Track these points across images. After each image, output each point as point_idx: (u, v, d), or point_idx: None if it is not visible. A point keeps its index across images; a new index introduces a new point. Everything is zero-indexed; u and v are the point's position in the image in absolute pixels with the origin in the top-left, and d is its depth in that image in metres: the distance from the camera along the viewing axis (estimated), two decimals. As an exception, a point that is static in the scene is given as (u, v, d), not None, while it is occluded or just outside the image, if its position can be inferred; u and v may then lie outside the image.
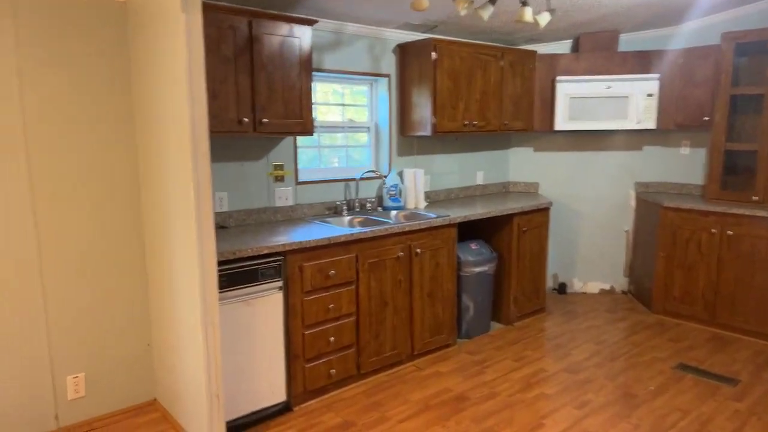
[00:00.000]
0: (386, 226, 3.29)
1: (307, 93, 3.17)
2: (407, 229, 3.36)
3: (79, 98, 2.62)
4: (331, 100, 3.94)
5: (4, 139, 2.43)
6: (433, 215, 3.66)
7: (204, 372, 2.44)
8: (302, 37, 3.11)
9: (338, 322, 3.10)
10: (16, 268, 2.51)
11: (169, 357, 2.78)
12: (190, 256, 2.43)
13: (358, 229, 3.19)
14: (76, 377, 2.72)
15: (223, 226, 3.28)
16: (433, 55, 3.78)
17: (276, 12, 3.11)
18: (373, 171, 3.91)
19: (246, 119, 2.93)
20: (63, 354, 2.68)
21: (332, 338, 3.07)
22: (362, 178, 3.97)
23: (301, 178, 3.67)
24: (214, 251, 2.42)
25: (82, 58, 2.60)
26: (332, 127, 3.91)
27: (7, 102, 2.42)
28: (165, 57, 2.40)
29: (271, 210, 3.48)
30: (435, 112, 3.85)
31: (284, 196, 3.56)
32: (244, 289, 2.71)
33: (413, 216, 3.81)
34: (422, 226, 3.45)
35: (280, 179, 3.53)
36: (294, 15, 3.02)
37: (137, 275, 2.87)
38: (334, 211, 3.81)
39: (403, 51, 4.01)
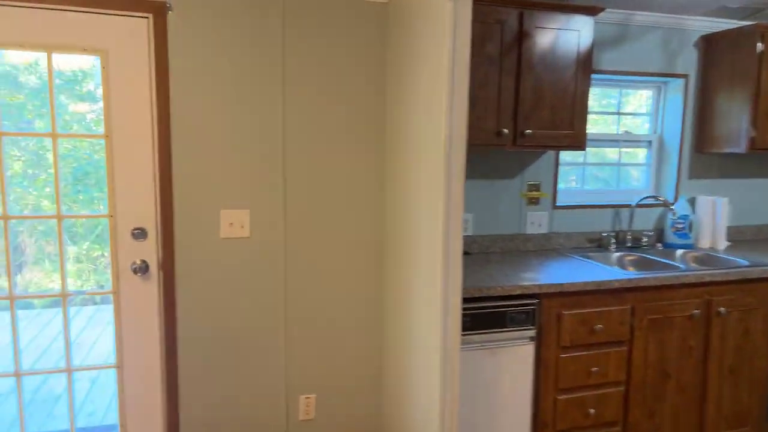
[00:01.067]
0: (676, 273, 2.48)
1: (582, 99, 2.57)
2: (707, 278, 2.49)
3: (336, 108, 2.48)
4: (599, 107, 3.24)
5: (270, 150, 2.40)
6: (745, 262, 2.69)
7: (437, 421, 2.05)
8: (582, 30, 2.52)
9: (601, 391, 2.42)
10: (266, 284, 2.47)
11: (399, 392, 2.47)
12: (432, 289, 2.06)
13: (636, 274, 2.46)
14: (308, 398, 2.60)
15: (466, 252, 2.87)
16: (759, 46, 2.80)
17: (552, 0, 2.58)
18: (654, 196, 3.09)
19: (506, 130, 2.47)
20: (297, 373, 2.57)
21: (592, 410, 2.41)
22: (639, 205, 3.17)
23: (560, 201, 3.06)
24: (460, 287, 2.01)
25: (341, 62, 2.46)
26: (603, 141, 3.20)
27: (273, 106, 2.39)
28: (423, 59, 2.08)
29: (520, 237, 2.96)
30: (755, 121, 2.85)
31: (537, 221, 3.00)
32: (489, 335, 2.25)
33: (710, 260, 2.88)
34: (731, 277, 2.53)
35: (534, 201, 2.98)
36: (573, 4, 2.47)
37: (373, 302, 2.64)
38: (598, 244, 3.10)
39: (710, 44, 3.09)
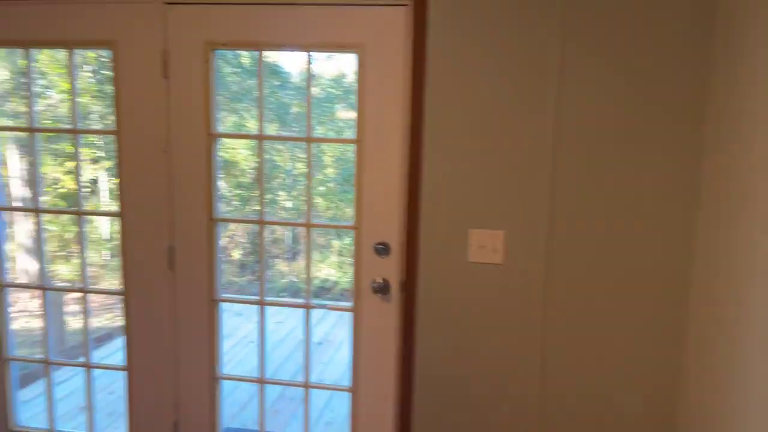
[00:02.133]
0: None
1: None
2: None
3: (631, 103, 1.87)
4: None
5: (534, 162, 1.94)
6: None
7: None
8: None
9: None
10: (519, 323, 2.01)
11: None
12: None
13: None
14: (561, 471, 2.06)
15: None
16: None
17: None
18: None
19: None
20: (550, 437, 2.05)
21: None
22: None
23: None
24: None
25: (641, 62, 1.83)
26: None
27: (540, 113, 1.90)
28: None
29: None
30: None
31: None
32: None
33: None
34: None
35: None
36: None
37: (668, 359, 1.95)
38: None
39: None
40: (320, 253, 8.15)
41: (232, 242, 8.52)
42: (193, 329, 2.21)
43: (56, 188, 7.70)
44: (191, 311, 2.20)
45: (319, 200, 8.19)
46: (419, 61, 1.95)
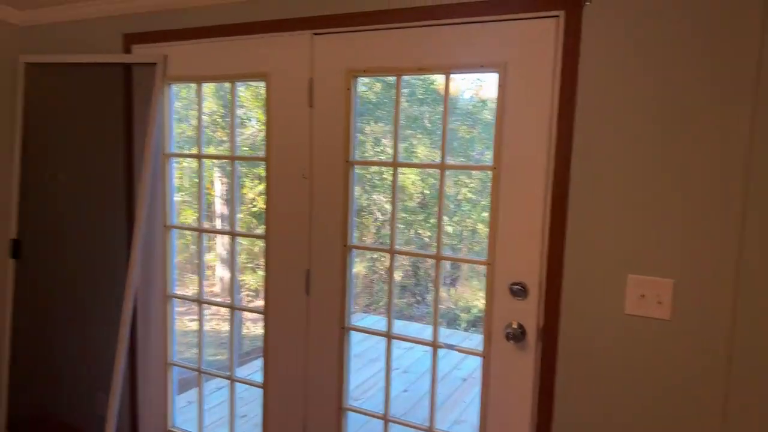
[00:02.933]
0: None
1: None
2: None
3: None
4: None
5: (715, 195, 1.56)
6: None
7: None
8: None
9: None
10: (692, 397, 1.61)
11: None
12: None
13: None
14: None
15: None
16: None
17: None
18: None
19: None
20: None
21: None
22: None
23: None
24: None
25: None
26: None
27: (728, 139, 1.52)
28: None
29: None
30: None
31: None
32: None
33: None
34: None
35: None
36: None
37: None
38: None
39: None
40: (478, 281, 7.90)
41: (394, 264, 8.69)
42: (324, 356, 2.20)
43: (251, 207, 8.67)
44: (323, 337, 2.20)
45: (480, 227, 7.96)
46: (569, 78, 1.71)
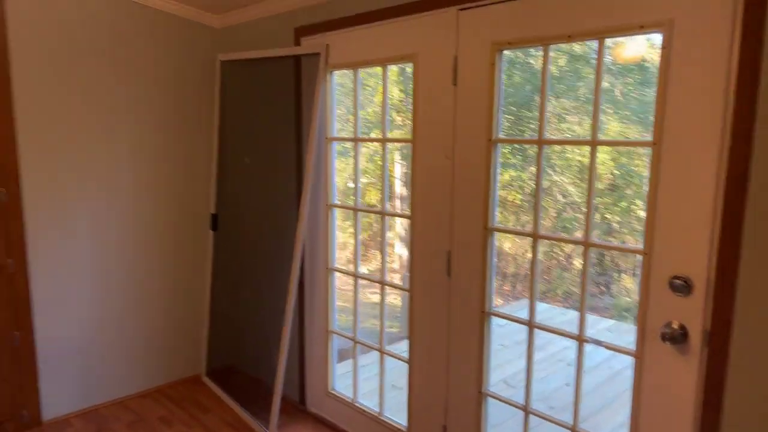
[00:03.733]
0: None
1: None
2: None
3: None
4: None
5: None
6: None
7: None
8: None
9: None
10: None
11: None
12: None
13: None
14: None
15: None
16: None
17: None
18: None
19: None
20: None
21: None
22: None
23: None
24: None
25: None
26: None
27: None
28: None
29: None
30: None
31: None
32: None
33: None
34: None
35: None
36: None
37: None
38: None
39: None
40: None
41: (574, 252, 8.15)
42: (463, 339, 2.17)
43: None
44: (463, 320, 2.17)
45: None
46: (752, 37, 1.39)
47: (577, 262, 8.40)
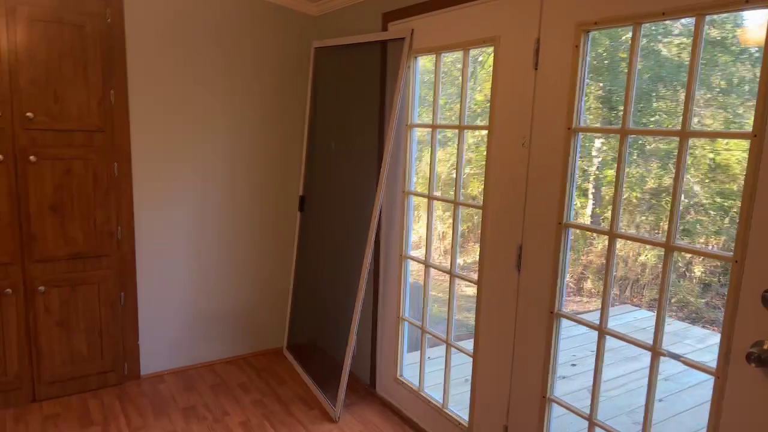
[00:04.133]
0: None
1: None
2: None
3: None
4: None
5: None
6: None
7: None
8: None
9: None
10: None
11: None
12: None
13: None
14: None
15: None
16: None
17: None
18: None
19: None
20: None
21: None
22: None
23: None
24: None
25: None
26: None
27: None
28: None
29: None
30: None
31: None
32: None
33: None
34: None
35: None
36: None
37: None
38: None
39: None
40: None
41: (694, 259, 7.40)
42: (529, 339, 2.06)
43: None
44: (530, 319, 2.05)
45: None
46: None
47: (698, 270, 7.64)
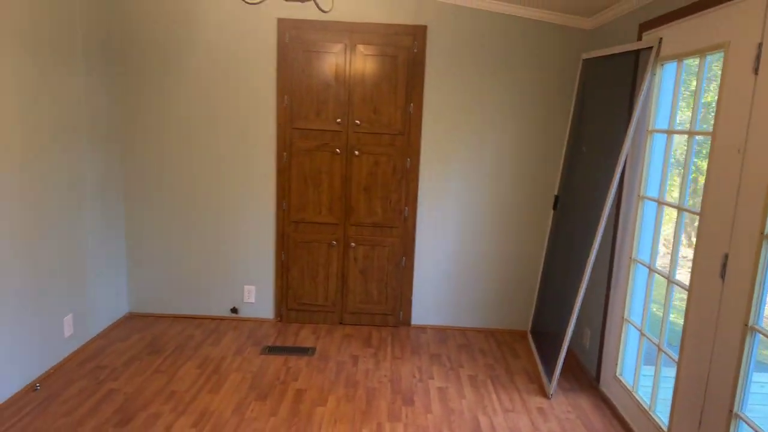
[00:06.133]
0: None
1: None
2: None
3: None
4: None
5: None
6: None
7: None
8: None
9: None
10: None
11: None
12: None
13: None
14: None
15: None
16: None
17: None
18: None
19: None
20: None
21: None
22: None
23: None
24: None
25: None
26: None
27: None
28: None
29: None
30: None
31: None
32: None
33: None
34: None
35: None
36: None
37: None
38: None
39: None
40: None
41: None
42: (723, 351, 2.00)
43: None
44: (726, 330, 2.00)
45: None
46: None
47: None
